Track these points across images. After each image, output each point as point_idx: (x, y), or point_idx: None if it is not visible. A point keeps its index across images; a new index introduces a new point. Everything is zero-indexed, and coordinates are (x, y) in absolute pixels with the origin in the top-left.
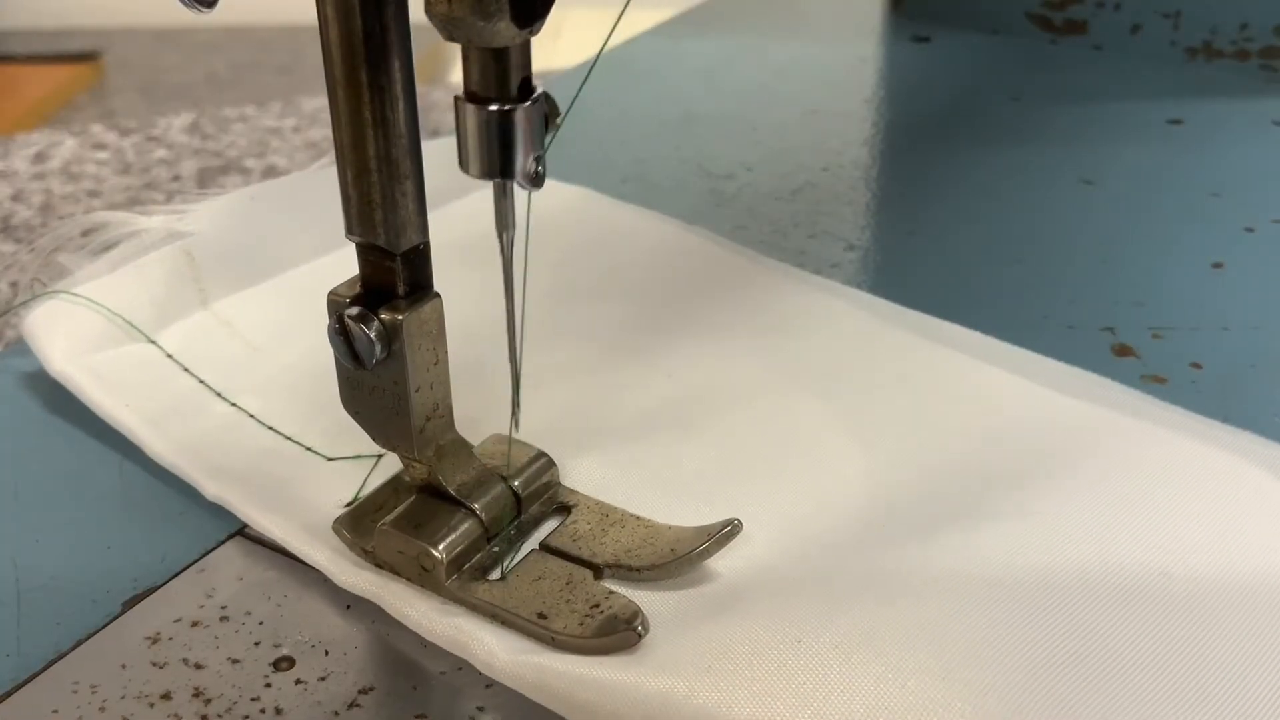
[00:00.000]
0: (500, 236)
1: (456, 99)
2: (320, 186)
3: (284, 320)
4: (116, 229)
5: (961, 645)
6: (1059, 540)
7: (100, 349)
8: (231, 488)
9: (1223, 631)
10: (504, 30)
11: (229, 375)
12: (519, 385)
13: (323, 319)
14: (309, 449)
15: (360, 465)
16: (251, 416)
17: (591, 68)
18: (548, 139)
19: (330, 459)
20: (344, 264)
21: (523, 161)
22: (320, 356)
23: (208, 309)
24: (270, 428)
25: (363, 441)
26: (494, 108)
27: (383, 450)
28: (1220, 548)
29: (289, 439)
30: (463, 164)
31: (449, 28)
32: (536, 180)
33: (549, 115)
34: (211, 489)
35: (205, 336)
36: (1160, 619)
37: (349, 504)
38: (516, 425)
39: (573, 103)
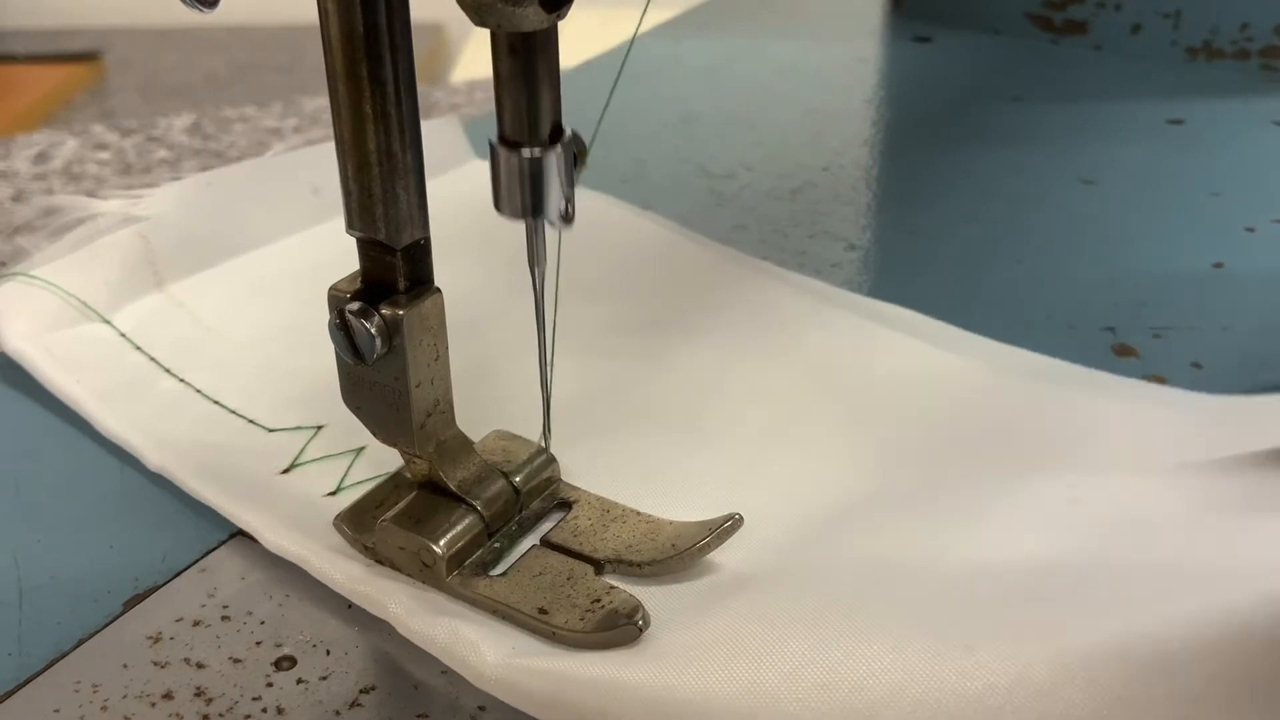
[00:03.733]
0: (532, 271)
1: (491, 143)
2: (275, 173)
3: (237, 302)
4: (74, 213)
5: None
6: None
7: (56, 329)
8: (173, 458)
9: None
10: (532, 15)
11: (180, 354)
12: (550, 409)
13: (275, 300)
14: (251, 421)
15: (300, 436)
16: (198, 392)
17: (621, 70)
18: (577, 176)
19: (271, 430)
20: (298, 248)
21: (554, 201)
22: (270, 336)
23: (163, 291)
24: (215, 401)
25: (303, 414)
26: (526, 153)
27: (322, 421)
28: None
29: (233, 412)
30: (497, 204)
31: (479, 13)
32: (566, 218)
33: (578, 155)
34: (154, 460)
35: (159, 317)
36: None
37: (284, 470)
38: (547, 443)
39: (603, 113)
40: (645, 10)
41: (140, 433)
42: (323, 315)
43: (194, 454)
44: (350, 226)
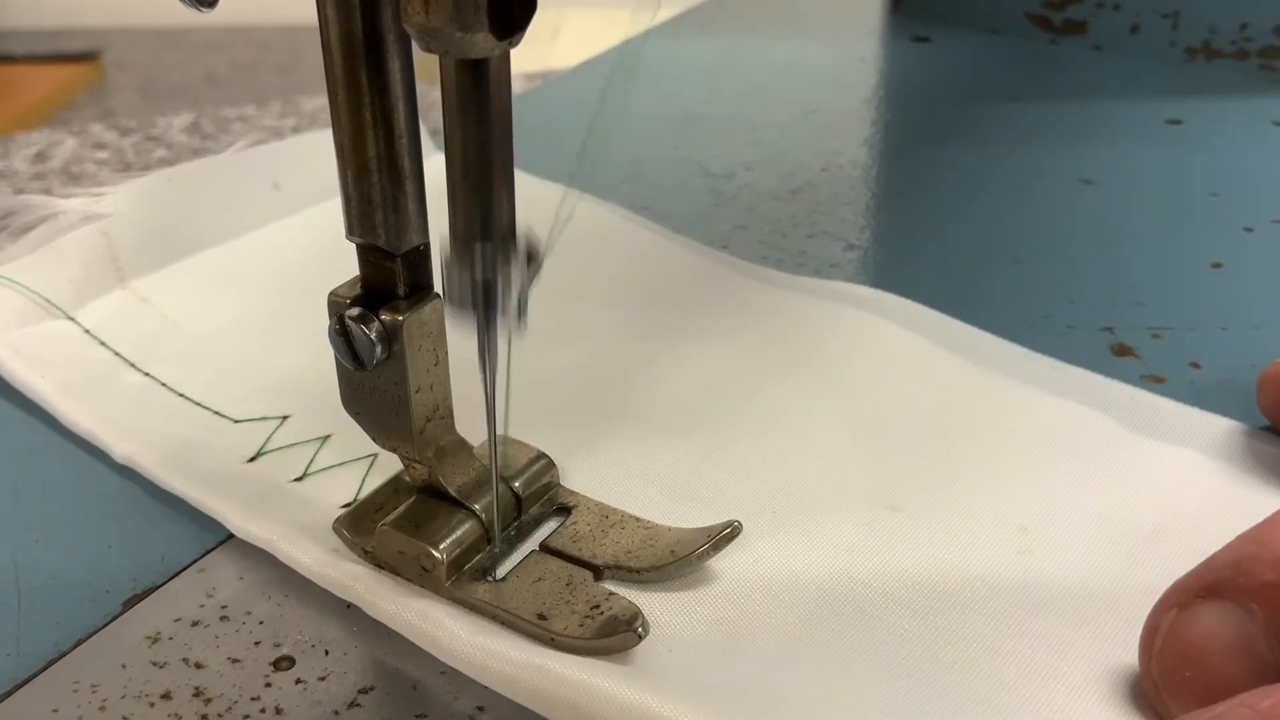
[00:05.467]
0: (482, 369)
1: (441, 240)
2: (236, 169)
3: (200, 297)
4: (36, 212)
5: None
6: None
7: (21, 326)
8: (140, 449)
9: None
10: (482, 41)
11: (144, 348)
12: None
13: (238, 295)
14: (217, 413)
15: (266, 425)
16: (163, 385)
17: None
18: (531, 277)
19: (237, 421)
20: (260, 243)
21: (505, 303)
22: (234, 329)
23: (126, 287)
24: (181, 395)
25: (269, 404)
26: (478, 250)
27: (287, 412)
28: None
29: (198, 404)
30: (448, 298)
31: (426, 39)
32: (519, 318)
33: (530, 255)
34: (120, 450)
35: (123, 313)
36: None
37: (251, 459)
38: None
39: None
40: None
41: (106, 425)
42: (286, 308)
43: (160, 445)
44: (350, 232)
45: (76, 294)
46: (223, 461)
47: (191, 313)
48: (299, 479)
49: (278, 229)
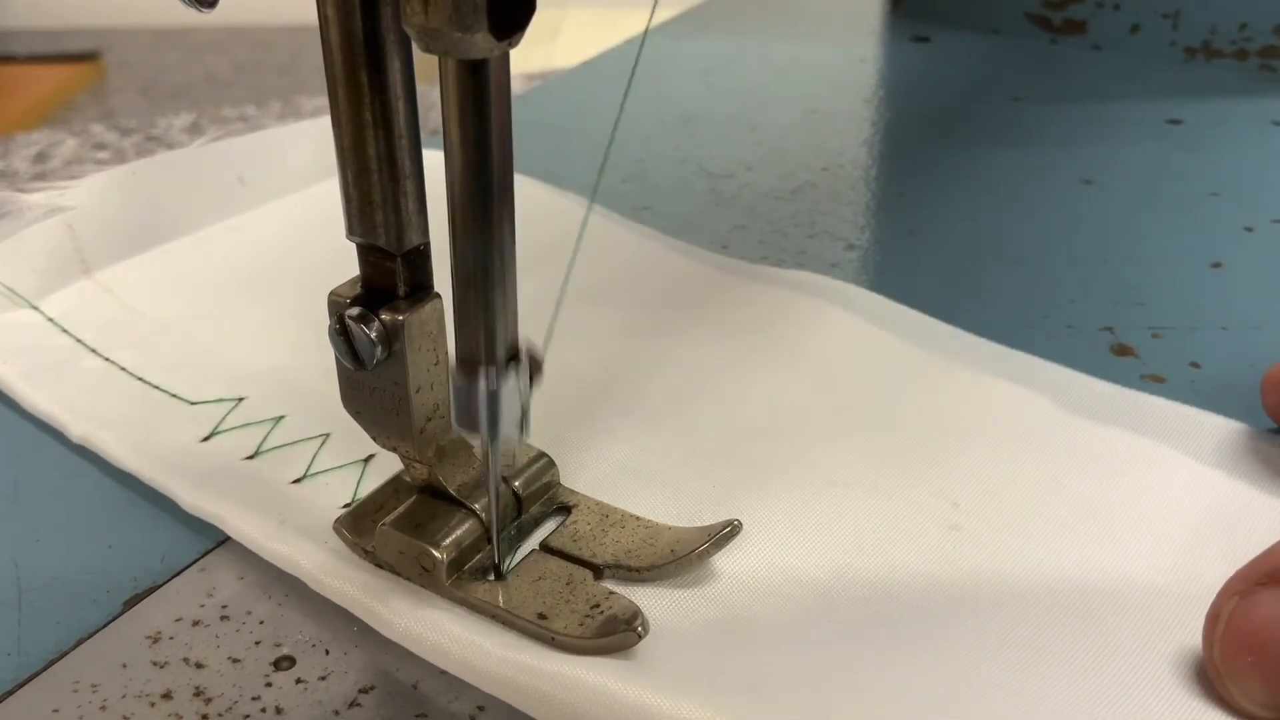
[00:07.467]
0: (491, 487)
1: (451, 369)
2: (201, 163)
3: (163, 288)
4: (1, 207)
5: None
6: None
7: None
8: (97, 430)
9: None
10: (482, 42)
11: (105, 335)
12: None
13: (201, 286)
14: (174, 395)
15: (222, 407)
16: (123, 370)
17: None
18: (531, 393)
19: (193, 403)
20: (224, 236)
21: (511, 420)
22: (195, 319)
23: (90, 278)
24: (139, 378)
25: (225, 388)
26: (483, 384)
27: (243, 394)
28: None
29: (156, 387)
30: (455, 419)
31: (426, 39)
32: (522, 434)
33: (533, 371)
34: (77, 431)
35: (86, 303)
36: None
37: (205, 438)
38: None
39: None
40: (651, 16)
41: (64, 407)
42: (248, 298)
43: (117, 426)
44: (350, 232)
45: (40, 284)
46: (177, 441)
47: (154, 303)
48: (251, 457)
49: (242, 222)
